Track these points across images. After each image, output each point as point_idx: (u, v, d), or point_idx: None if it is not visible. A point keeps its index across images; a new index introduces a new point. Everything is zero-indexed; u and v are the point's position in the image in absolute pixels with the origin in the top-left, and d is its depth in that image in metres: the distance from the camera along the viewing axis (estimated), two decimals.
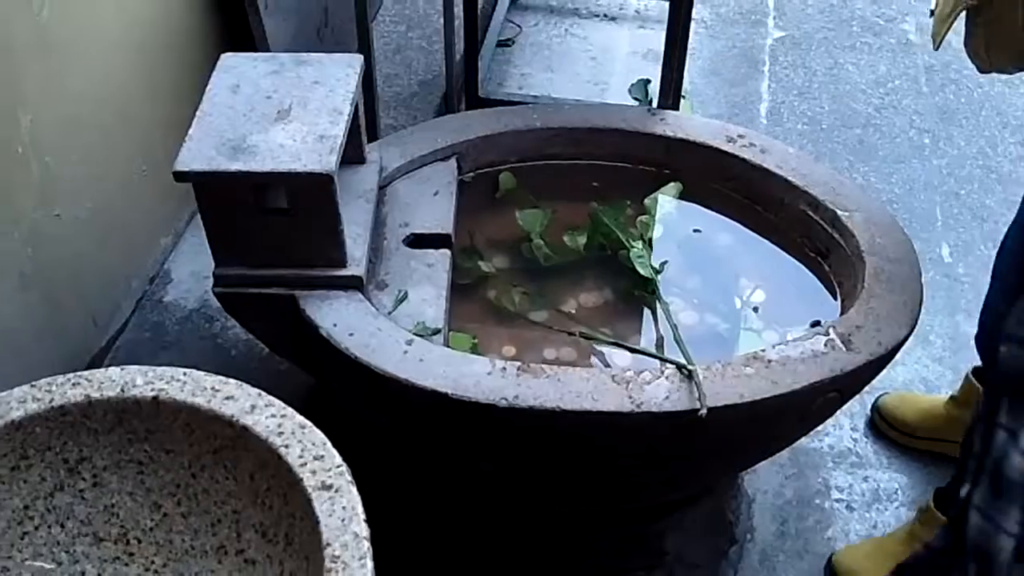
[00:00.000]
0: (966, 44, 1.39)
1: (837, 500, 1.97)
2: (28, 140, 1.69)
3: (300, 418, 0.97)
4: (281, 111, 1.51)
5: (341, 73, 1.58)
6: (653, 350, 1.58)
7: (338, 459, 0.94)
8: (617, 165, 1.86)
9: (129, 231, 2.07)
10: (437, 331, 1.51)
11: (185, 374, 1.01)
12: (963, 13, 1.33)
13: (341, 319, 1.49)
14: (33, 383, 1.01)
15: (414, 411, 1.46)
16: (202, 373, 1.02)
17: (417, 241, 1.66)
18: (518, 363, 1.43)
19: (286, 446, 0.95)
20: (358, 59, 1.61)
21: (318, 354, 1.52)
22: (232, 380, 1.01)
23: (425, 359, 1.44)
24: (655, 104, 2.70)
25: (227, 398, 0.99)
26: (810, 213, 1.71)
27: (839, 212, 1.67)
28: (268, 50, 2.24)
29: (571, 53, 3.04)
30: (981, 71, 1.43)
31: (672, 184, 1.82)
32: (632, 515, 1.71)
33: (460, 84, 2.66)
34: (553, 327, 1.63)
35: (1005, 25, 1.29)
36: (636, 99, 2.77)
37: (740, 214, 1.78)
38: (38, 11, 1.68)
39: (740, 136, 1.81)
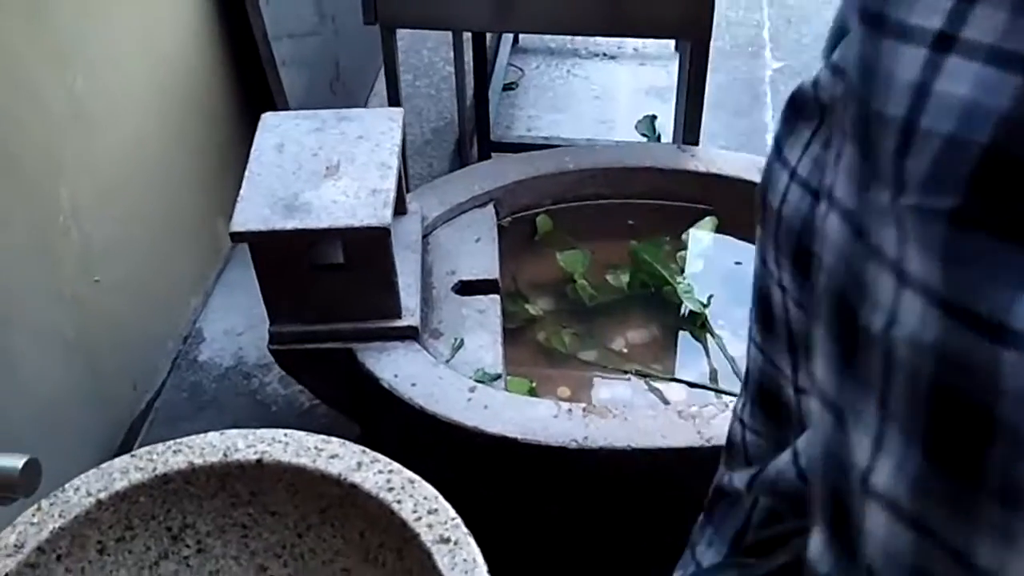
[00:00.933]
0: None
1: None
2: (69, 210, 1.69)
3: (408, 472, 0.97)
4: (330, 167, 1.52)
5: (384, 127, 1.59)
6: (708, 384, 1.59)
7: (452, 512, 0.94)
8: (651, 203, 1.87)
9: (163, 293, 2.07)
10: (498, 376, 1.52)
11: (286, 435, 1.01)
12: None
13: (401, 370, 1.50)
14: (133, 453, 1.01)
15: (482, 458, 1.46)
16: (303, 433, 1.02)
17: (465, 288, 1.67)
18: (583, 404, 1.43)
19: (398, 501, 0.95)
20: (399, 112, 1.63)
21: (377, 406, 1.53)
22: (335, 439, 1.01)
23: (490, 405, 1.44)
24: (662, 139, 2.74)
25: (332, 456, 0.99)
26: None
27: None
28: (287, 104, 2.26)
29: (575, 93, 3.07)
30: None
31: (708, 219, 1.84)
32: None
33: (471, 129, 2.68)
34: (607, 366, 1.64)
35: None
36: (644, 135, 2.81)
37: None
38: (71, 81, 1.69)
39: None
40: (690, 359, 1.67)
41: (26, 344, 1.60)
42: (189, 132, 2.11)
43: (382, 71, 2.88)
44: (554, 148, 1.94)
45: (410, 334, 1.54)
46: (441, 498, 0.95)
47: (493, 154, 2.58)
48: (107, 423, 1.87)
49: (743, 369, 1.55)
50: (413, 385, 1.47)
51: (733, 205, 1.84)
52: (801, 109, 0.49)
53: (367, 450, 0.99)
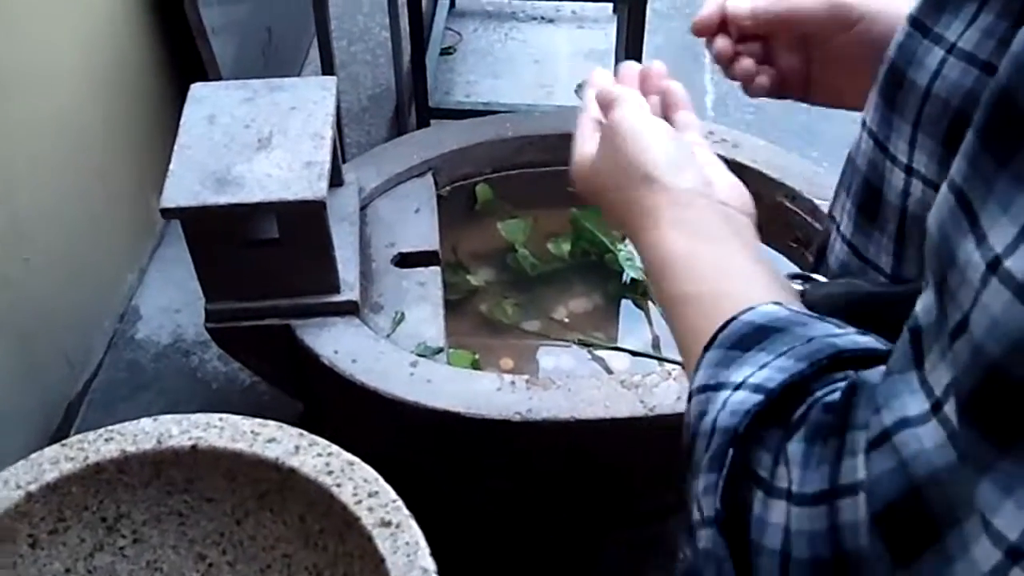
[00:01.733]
0: None
1: None
2: None
3: (348, 455, 0.95)
4: (262, 139, 1.48)
5: (317, 96, 1.55)
6: (651, 352, 1.59)
7: (393, 494, 0.93)
8: None
9: (96, 271, 2.02)
10: (439, 350, 1.50)
11: (221, 419, 0.99)
12: None
13: (342, 345, 1.47)
14: (63, 442, 0.98)
15: (425, 433, 1.45)
16: (239, 417, 0.99)
17: (405, 260, 1.65)
18: (526, 376, 1.42)
19: (338, 485, 0.93)
20: (332, 81, 1.59)
21: (319, 383, 1.50)
22: (271, 422, 0.99)
23: (432, 379, 1.43)
24: None
25: (269, 441, 0.97)
26: (788, 204, 1.73)
27: (817, 201, 1.69)
28: (218, 74, 2.20)
29: (513, 57, 3.04)
30: None
31: None
32: (645, 517, 1.72)
33: (409, 95, 2.64)
34: (550, 336, 1.63)
35: None
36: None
37: None
38: None
39: (711, 132, 1.83)
40: (632, 327, 1.66)
41: None
42: (118, 105, 2.05)
43: (314, 40, 2.84)
44: (494, 115, 1.91)
45: (350, 309, 1.52)
46: (381, 480, 0.93)
47: (432, 121, 2.55)
48: (43, 406, 1.83)
49: None
50: (354, 361, 1.45)
51: None
52: None
53: (305, 433, 0.97)
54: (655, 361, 1.60)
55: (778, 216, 1.75)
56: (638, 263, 1.69)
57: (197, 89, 1.58)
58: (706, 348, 0.52)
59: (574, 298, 1.71)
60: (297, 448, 0.96)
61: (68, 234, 1.88)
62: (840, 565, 0.41)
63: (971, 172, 0.38)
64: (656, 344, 1.61)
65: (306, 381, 1.58)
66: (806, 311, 0.52)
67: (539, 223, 1.79)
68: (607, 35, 3.08)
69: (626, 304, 1.69)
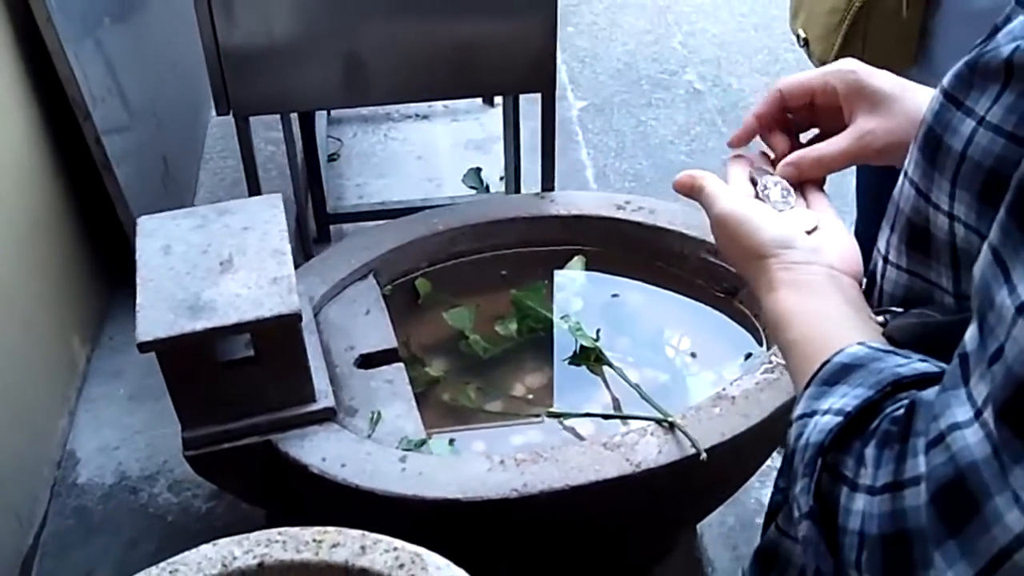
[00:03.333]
0: (825, 61, 1.56)
1: None
2: None
3: (412, 547, 0.99)
4: (223, 262, 1.51)
5: (267, 215, 1.60)
6: (614, 413, 1.67)
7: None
8: (521, 250, 1.95)
9: (28, 417, 1.98)
10: (423, 442, 1.54)
11: (280, 533, 1.01)
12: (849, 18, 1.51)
13: (328, 452, 1.50)
14: None
15: (425, 525, 1.48)
16: (297, 528, 1.02)
17: (367, 361, 1.68)
18: (516, 454, 1.48)
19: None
20: (278, 198, 1.64)
21: (308, 492, 1.52)
22: (331, 528, 1.02)
23: (424, 471, 1.46)
24: (490, 189, 2.84)
25: (333, 546, 1.00)
26: (711, 259, 1.85)
27: None
28: (127, 206, 2.21)
29: (396, 156, 3.13)
30: None
31: (576, 258, 1.93)
32: (635, 568, 1.78)
33: (307, 204, 2.69)
34: (518, 413, 1.70)
35: (888, 23, 1.48)
36: (472, 187, 2.90)
37: (646, 273, 1.90)
38: None
39: (627, 203, 1.95)
40: (591, 393, 1.74)
41: None
42: (32, 248, 2.03)
43: (201, 162, 2.86)
44: (421, 211, 1.98)
45: (327, 416, 1.55)
46: (453, 565, 0.97)
47: (343, 226, 2.62)
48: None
49: (650, 394, 1.63)
50: (343, 465, 1.48)
51: (596, 241, 1.94)
52: (985, 72, 0.60)
53: (366, 533, 1.00)
54: (619, 421, 1.67)
55: (703, 272, 1.87)
56: (587, 332, 1.78)
57: (145, 222, 1.60)
58: (806, 386, 0.66)
59: (529, 374, 1.78)
60: (363, 548, 0.99)
61: (0, 385, 1.84)
62: (901, 538, 0.55)
63: (1004, 239, 0.53)
64: (617, 405, 1.69)
65: (286, 493, 1.58)
66: (884, 346, 0.67)
67: (481, 308, 1.86)
68: (482, 125, 3.21)
69: (580, 372, 1.77)
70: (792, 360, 0.71)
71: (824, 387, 0.65)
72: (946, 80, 0.64)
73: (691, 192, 0.87)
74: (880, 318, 0.71)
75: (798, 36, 1.62)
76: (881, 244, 0.75)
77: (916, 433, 0.57)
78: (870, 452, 0.59)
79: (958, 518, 0.52)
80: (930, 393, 0.58)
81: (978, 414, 0.53)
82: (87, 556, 1.91)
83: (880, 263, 0.75)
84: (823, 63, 1.55)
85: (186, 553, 1.00)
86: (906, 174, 0.69)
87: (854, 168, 1.72)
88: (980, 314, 0.55)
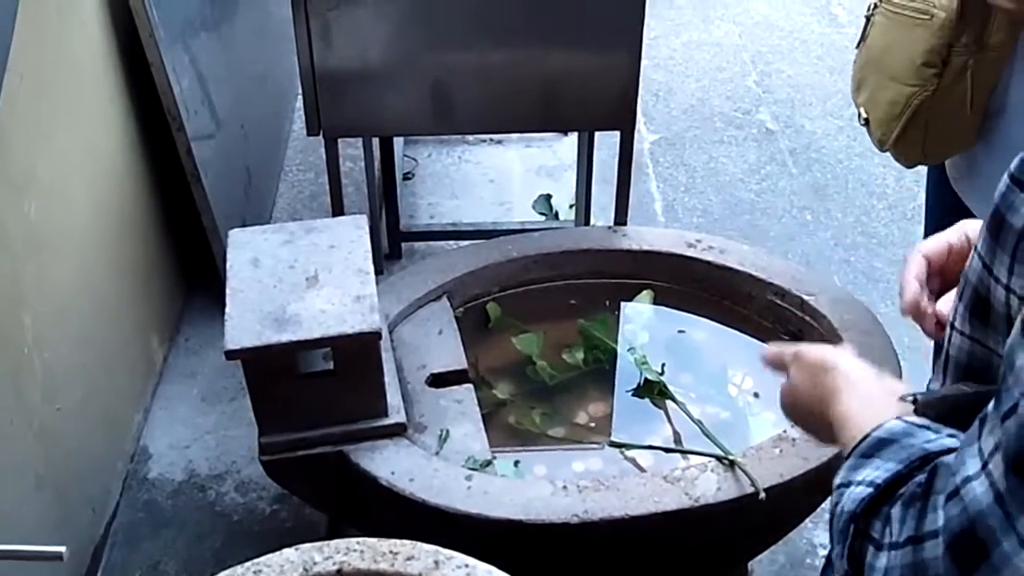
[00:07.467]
0: (884, 143, 1.58)
1: (823, 556, 2.13)
2: (31, 339, 1.69)
3: (484, 564, 1.04)
4: (309, 278, 1.58)
5: (353, 235, 1.66)
6: (675, 447, 1.70)
7: None
8: (590, 282, 2.00)
9: (110, 412, 2.06)
10: (488, 462, 1.59)
11: (359, 543, 1.07)
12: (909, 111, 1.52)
13: (397, 466, 1.55)
14: None
15: (487, 543, 1.52)
16: (375, 540, 1.07)
17: (437, 380, 1.74)
18: (579, 480, 1.52)
19: None
20: (363, 219, 1.70)
21: (375, 503, 1.58)
22: (407, 541, 1.07)
23: (489, 491, 1.52)
24: (559, 216, 2.90)
25: (408, 559, 1.05)
26: (778, 301, 1.89)
27: (805, 297, 1.86)
28: (212, 218, 2.30)
29: (469, 178, 3.19)
30: (907, 167, 1.65)
31: (645, 292, 1.97)
32: None
33: (381, 221, 2.76)
34: (582, 440, 1.74)
35: (950, 116, 1.49)
36: (541, 213, 2.96)
37: (713, 311, 1.94)
38: (27, 210, 1.70)
39: (698, 241, 1.99)
40: (653, 426, 1.78)
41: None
42: (120, 251, 2.12)
43: (281, 174, 2.95)
44: (499, 236, 2.04)
45: (398, 431, 1.60)
46: None
47: (414, 244, 2.70)
48: (73, 554, 1.84)
49: (711, 431, 1.67)
50: (411, 480, 1.53)
51: (665, 277, 1.98)
52: None
53: (441, 549, 1.05)
54: (679, 455, 1.71)
55: (769, 313, 1.90)
56: (651, 364, 1.82)
57: (236, 235, 1.67)
58: (846, 458, 0.76)
59: (592, 402, 1.83)
60: (437, 563, 1.04)
61: (88, 380, 1.93)
62: None
63: None
64: (678, 439, 1.73)
65: (353, 502, 1.64)
66: (917, 421, 0.75)
67: (549, 335, 1.91)
68: (555, 152, 3.27)
69: (643, 404, 1.81)
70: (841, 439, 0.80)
71: (861, 459, 0.73)
72: (1013, 165, 0.69)
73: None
74: (908, 399, 0.79)
75: (859, 113, 1.63)
76: (951, 313, 0.79)
77: (936, 491, 0.65)
78: (896, 512, 0.67)
79: (969, 563, 0.60)
80: (951, 457, 0.66)
81: (984, 465, 0.61)
82: (155, 548, 1.99)
83: (948, 330, 0.79)
84: (882, 144, 1.58)
85: (269, 555, 1.06)
86: (976, 249, 0.74)
87: (925, 178, 1.74)
88: (1003, 378, 0.62)
